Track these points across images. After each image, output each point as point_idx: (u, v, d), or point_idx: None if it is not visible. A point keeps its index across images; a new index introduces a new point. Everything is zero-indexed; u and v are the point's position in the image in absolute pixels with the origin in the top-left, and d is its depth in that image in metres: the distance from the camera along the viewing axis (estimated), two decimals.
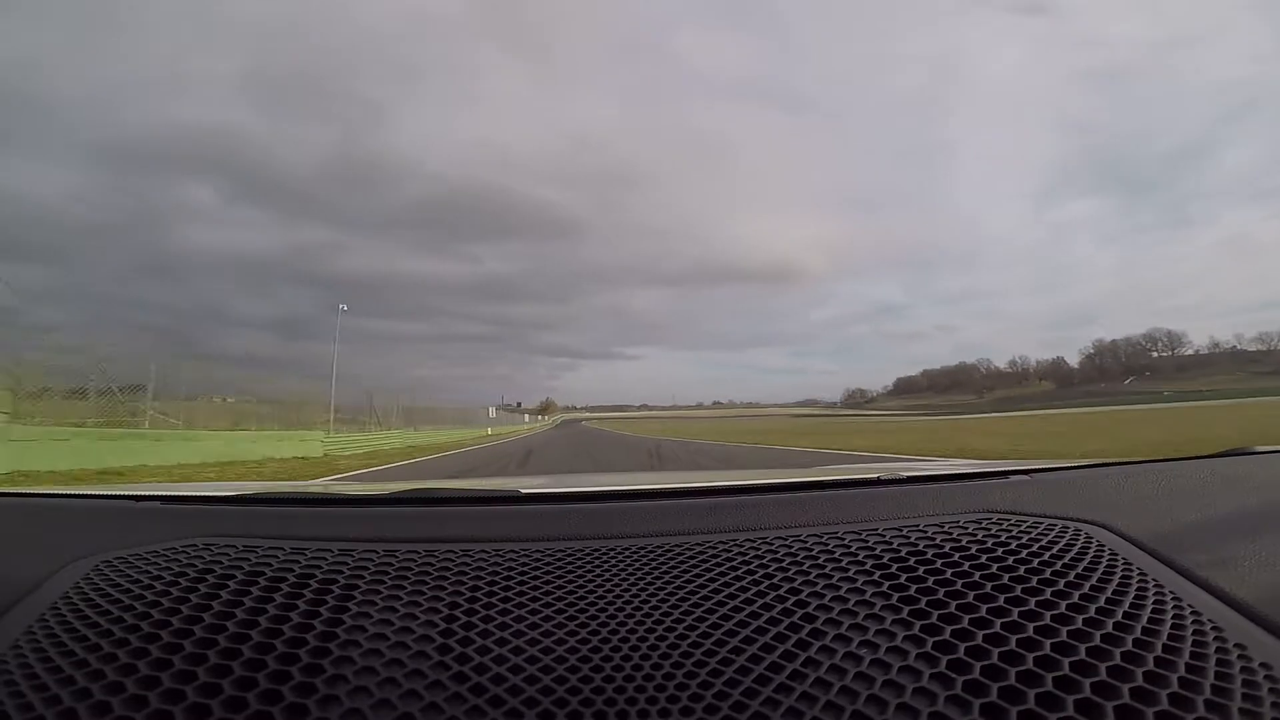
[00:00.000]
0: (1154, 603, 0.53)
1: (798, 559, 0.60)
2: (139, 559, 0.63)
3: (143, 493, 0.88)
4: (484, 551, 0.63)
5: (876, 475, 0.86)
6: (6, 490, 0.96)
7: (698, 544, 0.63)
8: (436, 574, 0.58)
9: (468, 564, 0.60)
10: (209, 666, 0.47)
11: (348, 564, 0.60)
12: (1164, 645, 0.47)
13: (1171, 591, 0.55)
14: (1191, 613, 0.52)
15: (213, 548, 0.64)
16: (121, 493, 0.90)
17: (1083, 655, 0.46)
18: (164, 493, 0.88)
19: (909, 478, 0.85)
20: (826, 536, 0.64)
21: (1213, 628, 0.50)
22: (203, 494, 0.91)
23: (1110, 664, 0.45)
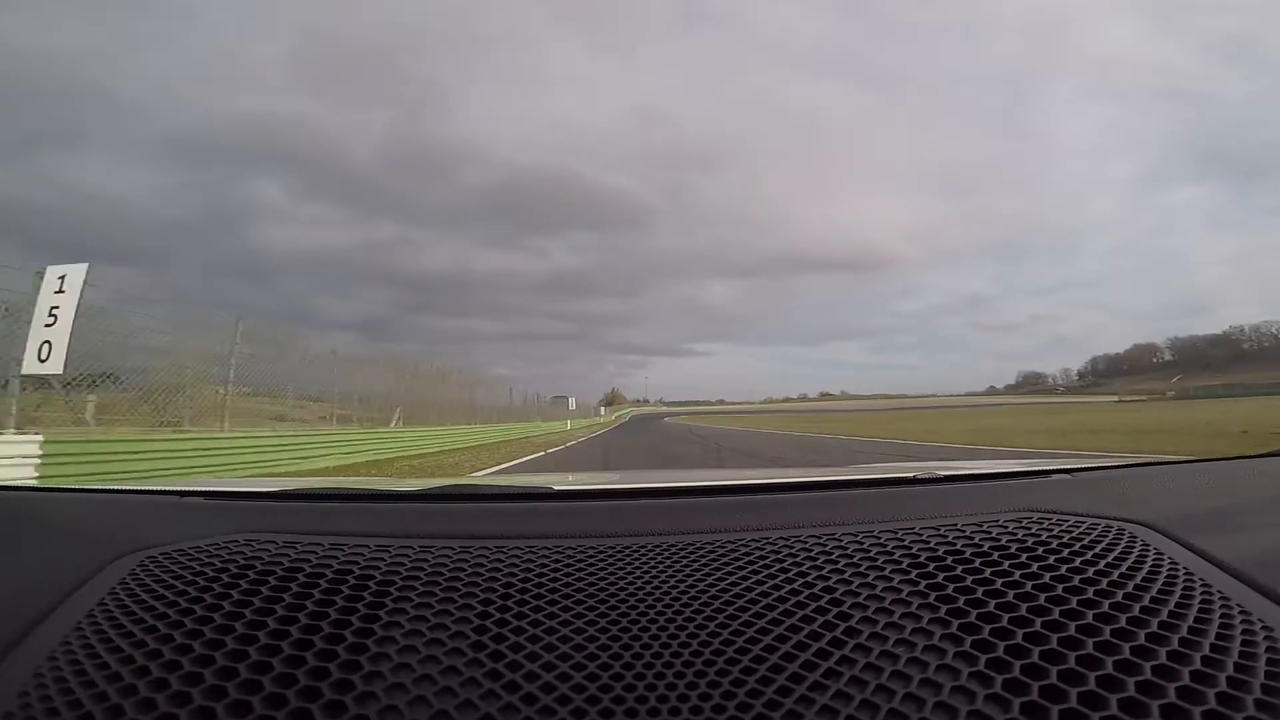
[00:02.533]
0: (1200, 601, 0.51)
1: (832, 558, 0.59)
2: (183, 554, 0.66)
3: (187, 489, 0.91)
4: (517, 548, 0.63)
5: (913, 474, 0.85)
6: (56, 486, 1.00)
7: (730, 541, 0.63)
8: (471, 570, 0.59)
9: (501, 561, 0.61)
10: (250, 663, 0.48)
11: (384, 560, 0.61)
12: (1211, 644, 0.46)
13: (1219, 590, 0.53)
14: (1240, 612, 0.50)
15: (254, 543, 0.66)
16: (166, 489, 0.93)
17: (1127, 654, 0.45)
18: (207, 489, 0.90)
19: (946, 476, 0.84)
20: (862, 535, 0.63)
21: (1263, 627, 0.48)
22: (244, 490, 0.94)
23: (1155, 663, 0.44)
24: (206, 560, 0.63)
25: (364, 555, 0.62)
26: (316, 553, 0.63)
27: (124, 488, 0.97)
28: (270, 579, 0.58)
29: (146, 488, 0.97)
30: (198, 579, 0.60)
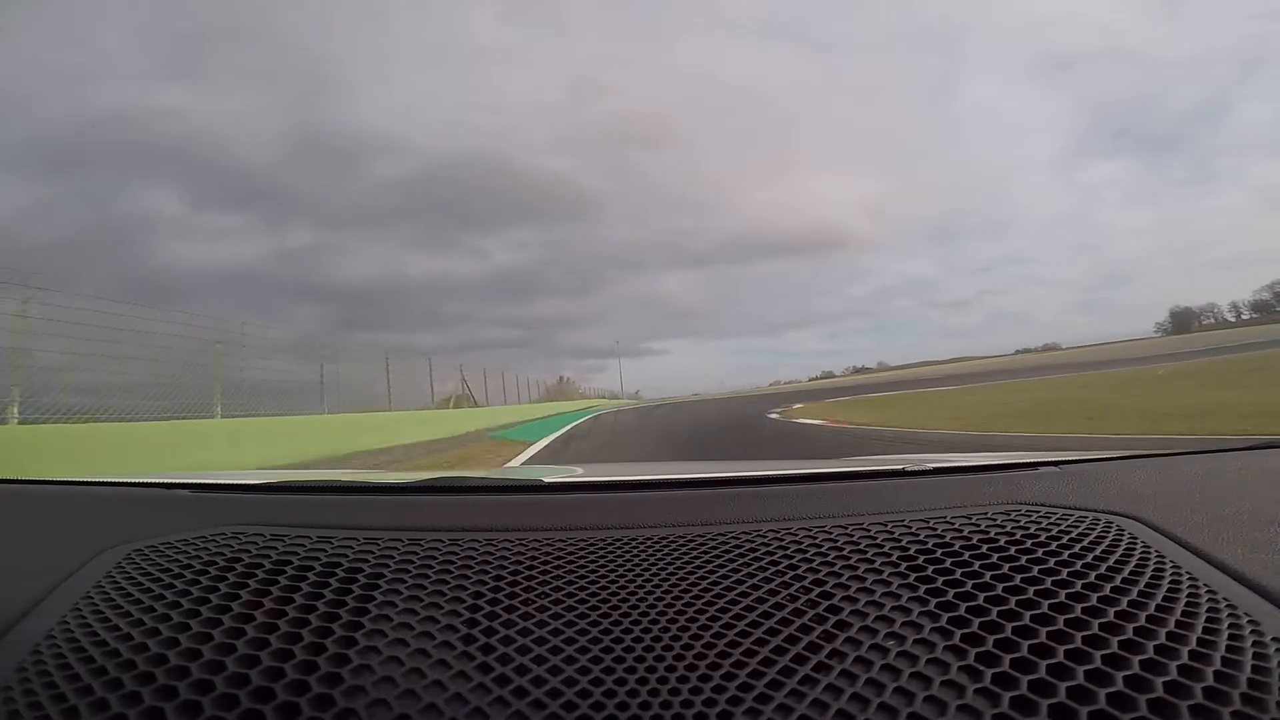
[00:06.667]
0: (1188, 596, 0.52)
1: (822, 550, 0.59)
2: (169, 547, 0.65)
3: (173, 480, 0.90)
4: (507, 541, 0.63)
5: (902, 466, 0.85)
6: (41, 478, 0.99)
7: (721, 534, 0.63)
8: (460, 563, 0.59)
9: (491, 553, 0.61)
10: (237, 657, 0.47)
11: (373, 553, 0.61)
12: (1199, 638, 0.46)
13: (1206, 585, 0.54)
14: (1227, 606, 0.51)
15: (240, 536, 0.66)
16: (152, 480, 0.92)
17: (1115, 648, 0.45)
18: (193, 480, 0.89)
19: (935, 469, 0.84)
20: (852, 527, 0.63)
21: (1249, 621, 0.49)
22: (231, 482, 0.93)
23: (1143, 657, 0.44)
24: (193, 554, 0.63)
25: (352, 548, 0.62)
26: (304, 545, 0.63)
27: (110, 479, 0.96)
28: (258, 572, 0.58)
29: (132, 479, 0.96)
30: (185, 572, 0.59)
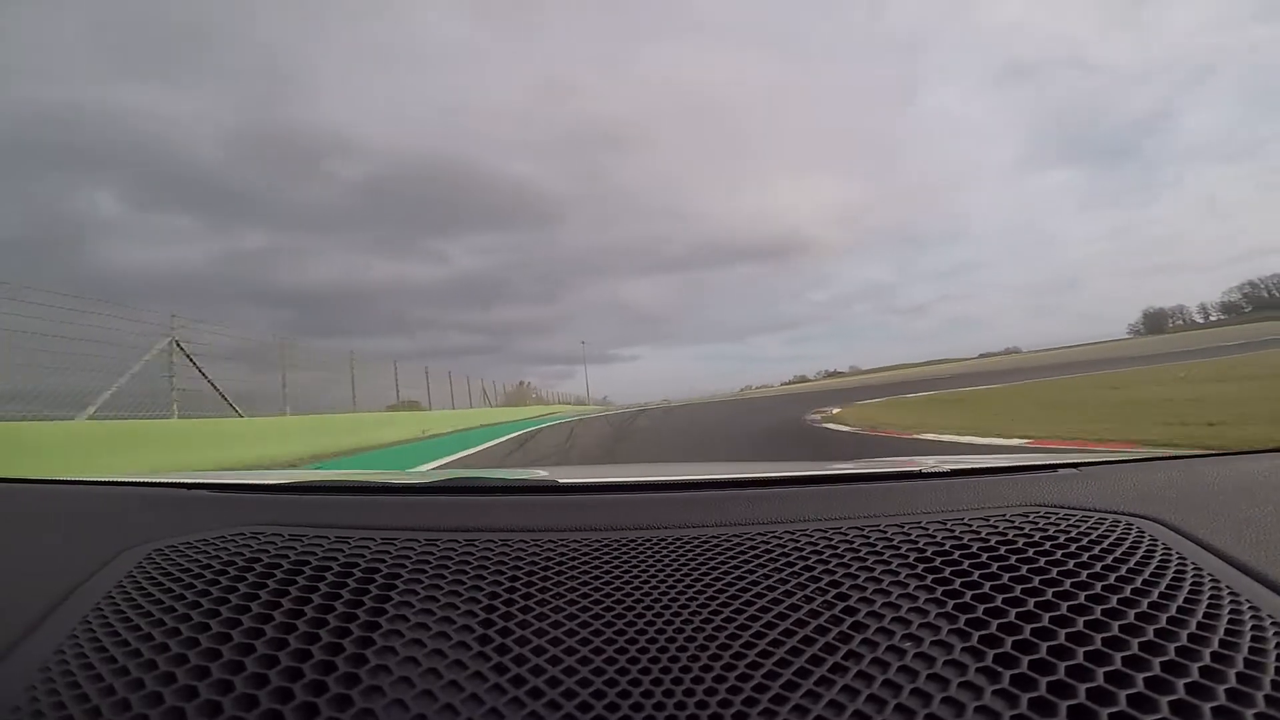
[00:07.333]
0: (1210, 597, 0.51)
1: (838, 551, 0.59)
2: (189, 547, 0.66)
3: (193, 480, 0.91)
4: (523, 541, 0.63)
5: (918, 468, 0.84)
6: (64, 478, 1.00)
7: (736, 535, 0.63)
8: (476, 563, 0.59)
9: (507, 554, 0.61)
10: (257, 657, 0.48)
11: (390, 553, 0.61)
12: (1221, 640, 0.46)
13: (1229, 587, 0.53)
14: (1250, 608, 0.50)
15: (260, 536, 0.66)
16: (172, 480, 0.94)
17: (1135, 650, 0.44)
18: (213, 480, 0.91)
19: (952, 470, 0.83)
20: (868, 529, 0.63)
21: (1272, 623, 0.48)
22: (250, 482, 0.94)
23: (1165, 659, 0.44)
24: (213, 554, 0.64)
25: (369, 548, 0.62)
26: (322, 546, 0.63)
27: (131, 479, 0.98)
28: (276, 573, 0.59)
29: (153, 480, 0.97)
30: (204, 572, 0.60)
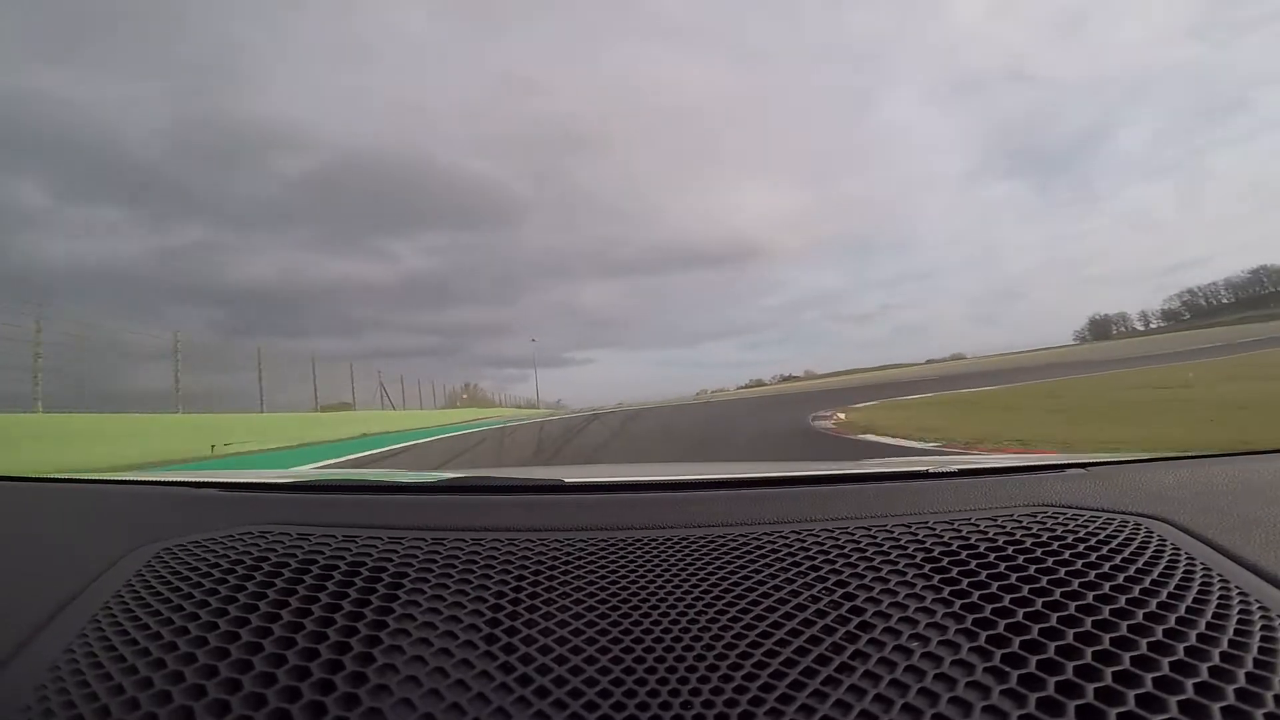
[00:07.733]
0: (1219, 598, 0.51)
1: (845, 551, 0.59)
2: (198, 546, 0.66)
3: (201, 479, 0.92)
4: (529, 541, 0.63)
5: (925, 468, 0.84)
6: (73, 476, 1.01)
7: (742, 535, 0.63)
8: (483, 563, 0.59)
9: (513, 553, 0.61)
10: (264, 655, 0.48)
11: (397, 552, 0.61)
12: (1230, 640, 0.45)
13: (1238, 587, 0.53)
14: (1259, 608, 0.50)
15: (268, 535, 0.67)
16: (180, 480, 0.94)
17: (1144, 650, 0.44)
18: (222, 479, 0.91)
19: (959, 470, 0.83)
20: (875, 529, 0.63)
21: None
22: (257, 480, 0.94)
23: (1173, 659, 0.43)
24: (222, 553, 0.64)
25: (376, 547, 0.63)
26: (329, 545, 0.63)
27: (139, 478, 0.98)
28: (284, 572, 0.59)
29: (161, 478, 0.98)
30: (213, 571, 0.60)
